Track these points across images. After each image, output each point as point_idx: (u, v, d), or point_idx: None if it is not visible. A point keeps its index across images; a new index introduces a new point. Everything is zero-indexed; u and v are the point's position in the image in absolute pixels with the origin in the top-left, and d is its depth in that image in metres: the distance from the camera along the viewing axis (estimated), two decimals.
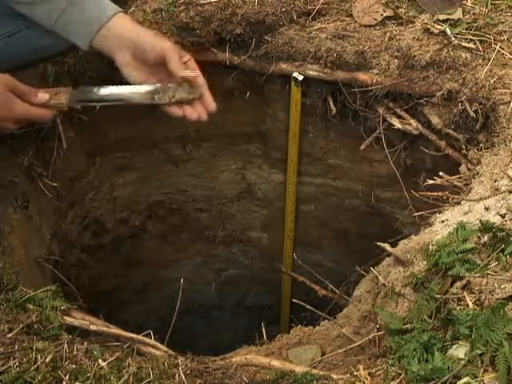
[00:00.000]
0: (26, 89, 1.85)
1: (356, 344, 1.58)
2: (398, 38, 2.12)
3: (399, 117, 2.21)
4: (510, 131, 1.89)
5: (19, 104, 1.83)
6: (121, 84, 1.95)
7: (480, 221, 1.58)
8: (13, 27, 1.94)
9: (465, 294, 1.44)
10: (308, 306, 1.93)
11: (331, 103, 2.30)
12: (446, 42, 2.08)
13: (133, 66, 1.88)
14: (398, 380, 1.32)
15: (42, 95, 1.87)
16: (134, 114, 2.41)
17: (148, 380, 1.38)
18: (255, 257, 3.07)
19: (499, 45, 2.05)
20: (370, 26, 2.18)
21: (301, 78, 2.22)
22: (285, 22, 2.19)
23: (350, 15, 2.21)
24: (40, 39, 2.00)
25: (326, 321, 1.84)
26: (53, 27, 1.86)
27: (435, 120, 2.12)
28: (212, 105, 1.92)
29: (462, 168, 2.04)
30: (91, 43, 1.86)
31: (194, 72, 1.89)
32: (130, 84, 1.94)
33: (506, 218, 1.60)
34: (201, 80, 1.89)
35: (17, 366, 1.36)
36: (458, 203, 1.83)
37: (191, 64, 1.89)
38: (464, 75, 2.04)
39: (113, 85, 1.96)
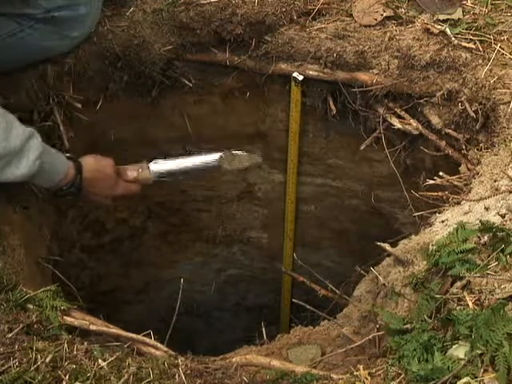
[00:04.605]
0: (121, 169, 2.13)
1: (356, 344, 1.58)
2: (397, 38, 2.12)
3: (399, 117, 2.21)
4: (510, 131, 1.89)
5: (121, 183, 2.13)
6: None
7: (480, 221, 1.58)
8: (14, 27, 1.95)
9: (465, 294, 1.44)
10: (308, 306, 1.93)
11: (331, 103, 2.30)
12: (446, 41, 2.08)
13: None
14: (397, 380, 1.32)
15: (131, 173, 2.15)
16: (133, 114, 2.42)
17: (148, 380, 1.38)
18: (255, 257, 3.07)
19: (499, 45, 2.05)
20: (370, 25, 2.18)
21: (301, 78, 2.22)
22: (285, 22, 2.19)
23: (350, 15, 2.21)
24: (41, 40, 2.00)
25: (326, 321, 1.84)
26: None
27: (435, 120, 2.13)
28: None
29: (462, 168, 2.04)
30: None
31: None
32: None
33: (506, 218, 1.60)
34: None
35: (17, 366, 1.36)
36: (458, 203, 1.83)
37: None
38: (464, 75, 2.04)
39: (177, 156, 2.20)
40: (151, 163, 2.15)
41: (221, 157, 2.12)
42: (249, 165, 2.23)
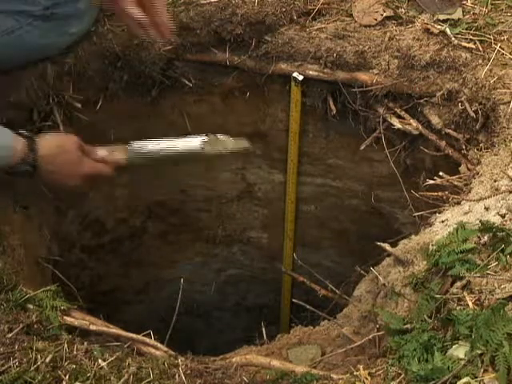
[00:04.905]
0: (89, 147, 1.98)
1: (356, 344, 1.58)
2: (397, 38, 2.12)
3: (399, 117, 2.21)
4: (510, 131, 1.89)
5: (87, 161, 1.96)
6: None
7: (480, 221, 1.58)
8: (12, 25, 1.94)
9: (465, 294, 1.44)
10: (308, 306, 1.93)
11: (331, 103, 2.30)
12: (446, 41, 2.08)
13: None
14: (397, 380, 1.32)
15: (100, 151, 2.01)
16: (133, 114, 2.42)
17: (148, 380, 1.38)
18: (255, 257, 3.07)
19: (499, 45, 2.05)
20: (370, 26, 2.18)
21: (301, 78, 2.22)
22: (285, 22, 2.19)
23: (350, 15, 2.21)
24: (40, 37, 2.00)
25: (326, 321, 1.84)
26: None
27: (435, 120, 2.13)
28: (171, 26, 1.96)
29: (462, 168, 2.04)
30: None
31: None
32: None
33: (505, 218, 1.60)
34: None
35: (17, 366, 1.36)
36: (458, 203, 1.83)
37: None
38: (464, 75, 2.04)
39: (160, 138, 2.07)
40: (129, 144, 2.03)
41: (204, 140, 2.05)
42: (233, 149, 2.11)
